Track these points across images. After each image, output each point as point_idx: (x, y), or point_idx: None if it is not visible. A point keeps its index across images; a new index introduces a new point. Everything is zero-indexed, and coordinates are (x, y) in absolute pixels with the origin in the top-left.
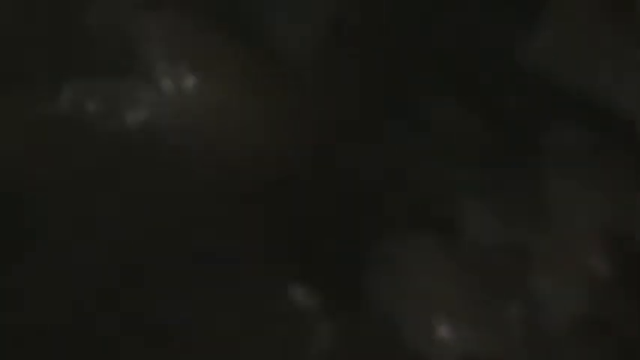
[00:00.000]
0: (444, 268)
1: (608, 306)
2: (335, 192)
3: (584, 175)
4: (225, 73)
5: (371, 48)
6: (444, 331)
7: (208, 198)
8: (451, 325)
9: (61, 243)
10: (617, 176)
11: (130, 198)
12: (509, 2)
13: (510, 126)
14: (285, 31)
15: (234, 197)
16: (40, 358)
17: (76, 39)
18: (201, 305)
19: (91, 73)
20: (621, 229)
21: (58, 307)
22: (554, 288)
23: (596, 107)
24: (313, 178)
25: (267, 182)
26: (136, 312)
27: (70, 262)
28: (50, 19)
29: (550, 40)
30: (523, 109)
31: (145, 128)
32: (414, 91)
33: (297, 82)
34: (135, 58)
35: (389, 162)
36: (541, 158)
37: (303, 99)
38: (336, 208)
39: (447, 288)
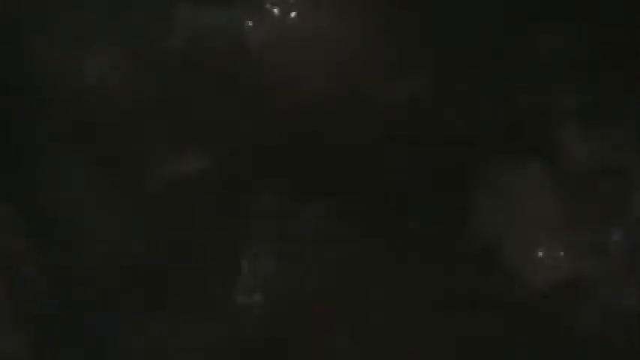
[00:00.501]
0: (548, 191)
1: None
2: (442, 120)
3: None
4: (332, 3)
5: None
6: (542, 252)
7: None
8: (550, 246)
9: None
10: None
11: (234, 116)
12: None
13: (615, 53)
14: None
15: (330, 120)
16: None
17: None
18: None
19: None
20: None
21: None
22: None
23: None
24: (422, 107)
25: (368, 109)
26: None
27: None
28: None
29: None
30: (626, 37)
31: (250, 54)
32: (517, 22)
33: (410, 20)
34: None
35: (493, 91)
36: None
37: (414, 35)
38: (444, 134)
39: (550, 211)
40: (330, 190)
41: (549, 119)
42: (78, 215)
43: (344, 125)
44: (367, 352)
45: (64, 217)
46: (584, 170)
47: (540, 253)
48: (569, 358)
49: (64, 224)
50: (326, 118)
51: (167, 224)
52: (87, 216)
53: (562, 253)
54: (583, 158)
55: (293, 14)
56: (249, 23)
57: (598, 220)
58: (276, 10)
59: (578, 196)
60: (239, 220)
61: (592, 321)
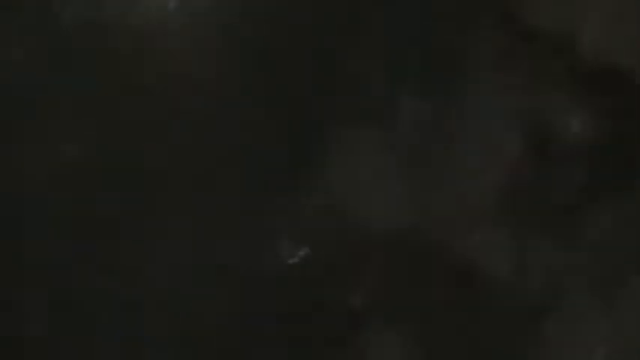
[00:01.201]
0: (382, 157)
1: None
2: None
3: (500, 81)
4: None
5: None
6: (381, 209)
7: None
8: (387, 204)
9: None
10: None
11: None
12: None
13: (443, 38)
14: None
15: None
16: None
17: None
18: None
19: None
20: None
21: None
22: (477, 174)
23: None
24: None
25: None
26: None
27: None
28: None
29: None
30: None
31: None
32: None
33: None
34: None
35: (327, 63)
36: (470, 65)
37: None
38: (283, 107)
39: (384, 176)
40: None
41: (384, 91)
42: None
43: None
44: None
45: None
46: (414, 138)
47: (376, 210)
48: None
49: None
50: None
51: None
52: None
53: (395, 210)
54: (413, 127)
55: None
56: None
57: (426, 180)
58: None
59: (409, 160)
60: None
61: None
